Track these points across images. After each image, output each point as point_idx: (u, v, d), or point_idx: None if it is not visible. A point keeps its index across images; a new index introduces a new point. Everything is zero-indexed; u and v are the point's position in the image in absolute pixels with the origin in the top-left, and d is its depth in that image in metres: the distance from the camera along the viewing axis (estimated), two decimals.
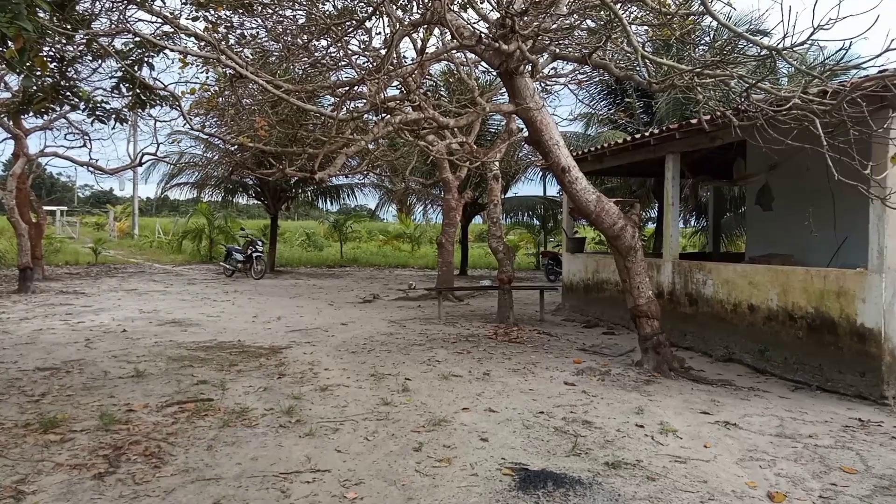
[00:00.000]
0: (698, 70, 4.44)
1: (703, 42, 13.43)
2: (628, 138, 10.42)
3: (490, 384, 6.86)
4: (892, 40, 2.63)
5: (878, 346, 6.14)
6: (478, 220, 27.46)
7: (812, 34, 3.00)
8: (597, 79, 16.19)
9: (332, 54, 8.94)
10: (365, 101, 8.05)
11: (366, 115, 9.15)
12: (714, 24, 16.36)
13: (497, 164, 11.73)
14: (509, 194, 26.58)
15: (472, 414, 5.75)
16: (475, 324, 11.48)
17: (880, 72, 4.69)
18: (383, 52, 6.22)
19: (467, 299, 15.63)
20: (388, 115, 7.22)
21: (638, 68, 5.66)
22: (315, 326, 10.82)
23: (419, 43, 7.28)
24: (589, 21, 6.94)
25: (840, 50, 3.19)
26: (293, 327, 10.68)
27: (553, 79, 11.38)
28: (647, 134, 9.71)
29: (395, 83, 9.08)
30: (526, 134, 7.22)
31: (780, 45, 3.28)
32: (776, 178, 10.68)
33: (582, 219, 8.92)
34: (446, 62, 12.48)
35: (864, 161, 3.47)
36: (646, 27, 7.84)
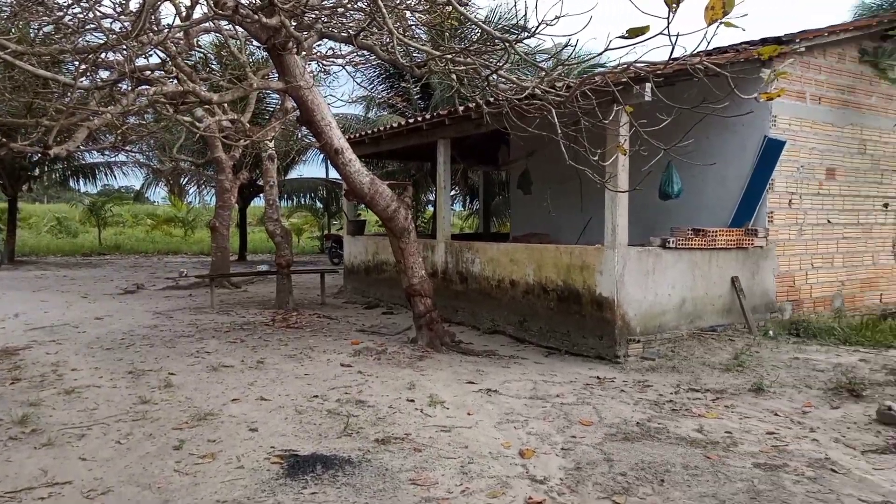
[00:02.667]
0: (449, 57, 4.69)
1: (475, 32, 14.13)
2: (404, 123, 10.67)
3: (264, 372, 6.64)
4: (611, 41, 2.98)
5: (613, 312, 7.03)
6: (258, 202, 26.36)
7: (536, 29, 3.31)
8: (375, 62, 16.33)
9: (78, 15, 7.88)
10: (114, 69, 7.23)
11: (121, 85, 8.25)
12: (484, 14, 17.38)
13: (272, 143, 11.31)
14: (292, 175, 25.92)
15: (242, 405, 5.52)
16: (252, 311, 11.04)
17: (620, 67, 5.35)
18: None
19: (245, 286, 14.97)
20: (145, 87, 6.55)
21: (400, 52, 5.80)
22: (63, 322, 9.59)
23: (183, 10, 6.71)
24: (360, 3, 6.95)
25: (566, 46, 3.61)
26: (34, 324, 9.37)
27: (331, 59, 11.21)
28: (420, 119, 10.03)
29: (155, 52, 8.29)
30: (299, 114, 7.03)
31: (513, 38, 3.58)
32: (535, 164, 11.70)
33: (357, 201, 8.96)
34: (217, 34, 11.69)
35: (593, 149, 3.92)
36: (417, 13, 8.07)
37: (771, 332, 8.02)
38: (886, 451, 4.50)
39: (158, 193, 39.45)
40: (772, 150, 8.11)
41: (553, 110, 3.79)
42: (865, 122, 9.35)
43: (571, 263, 7.57)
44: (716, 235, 7.79)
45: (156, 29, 6.74)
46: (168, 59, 7.19)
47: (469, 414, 5.29)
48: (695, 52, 2.81)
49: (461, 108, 8.63)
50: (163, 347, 7.87)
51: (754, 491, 3.81)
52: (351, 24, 5.89)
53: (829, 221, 9.03)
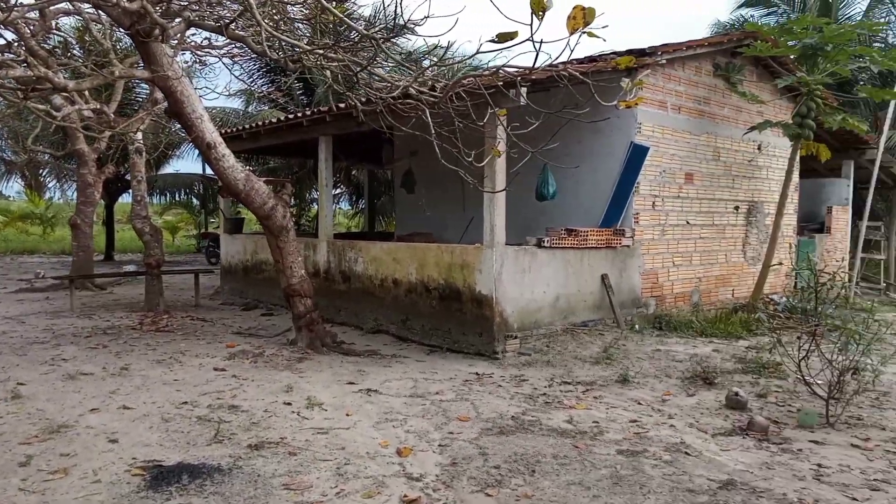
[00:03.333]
0: (320, 52, 4.61)
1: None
2: (283, 118, 10.39)
3: (128, 379, 6.22)
4: (481, 44, 3.05)
5: (492, 309, 7.21)
6: (127, 198, 24.75)
7: (401, 29, 3.35)
8: (254, 55, 15.78)
9: None
10: None
11: None
12: (368, 11, 17.27)
13: (140, 136, 10.64)
14: (167, 170, 24.52)
15: (101, 415, 5.14)
16: (117, 314, 10.32)
17: (498, 68, 5.49)
18: None
19: (111, 287, 13.98)
20: None
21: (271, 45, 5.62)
22: None
23: None
24: None
25: (436, 47, 3.67)
26: None
27: (206, 49, 10.70)
28: (300, 115, 9.80)
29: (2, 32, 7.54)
30: (167, 105, 6.65)
31: (381, 37, 3.59)
32: (418, 164, 11.77)
33: (232, 197, 8.59)
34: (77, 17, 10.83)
35: (467, 150, 3.99)
36: (297, 6, 7.86)
37: (637, 326, 8.54)
38: (733, 434, 4.92)
39: (12, 188, 36.04)
40: (637, 156, 8.65)
41: (427, 110, 3.83)
42: (719, 131, 10.19)
43: (452, 262, 7.68)
44: (587, 235, 8.19)
45: (3, 6, 6.16)
46: (18, 39, 6.59)
47: (348, 415, 5.23)
48: (558, 59, 2.94)
49: (342, 106, 8.52)
50: (12, 356, 7.18)
51: (617, 476, 4.03)
52: (224, 14, 5.64)
53: (688, 223, 9.75)
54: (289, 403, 5.50)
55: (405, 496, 3.71)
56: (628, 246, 8.79)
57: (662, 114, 9.20)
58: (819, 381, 5.61)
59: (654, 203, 9.14)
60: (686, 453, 4.47)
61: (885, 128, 12.73)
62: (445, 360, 7.34)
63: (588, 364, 6.95)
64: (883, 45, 17.25)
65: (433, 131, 3.78)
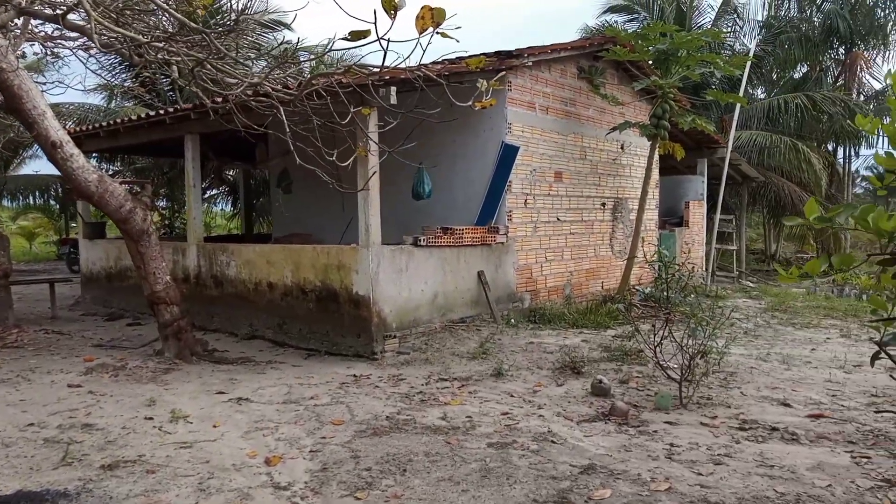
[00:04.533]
0: (160, 45, 4.37)
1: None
2: (145, 115, 9.78)
3: None
4: (333, 42, 3.00)
5: (369, 310, 7.16)
6: None
7: (240, 25, 3.25)
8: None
9: None
10: None
11: None
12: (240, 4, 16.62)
13: None
14: (24, 171, 22.49)
15: None
16: None
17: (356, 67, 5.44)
18: None
19: None
20: None
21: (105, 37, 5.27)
22: None
23: None
24: None
25: (283, 44, 3.59)
26: None
27: (58, 41, 9.86)
28: (162, 112, 9.27)
29: None
30: (3, 100, 6.06)
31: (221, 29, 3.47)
32: (294, 163, 11.47)
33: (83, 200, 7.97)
34: None
35: (328, 149, 3.93)
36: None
37: (513, 321, 8.80)
38: (596, 419, 5.17)
39: None
40: (508, 155, 8.91)
41: (282, 108, 3.72)
42: (585, 132, 10.71)
43: (329, 263, 7.56)
44: (463, 233, 8.33)
45: None
46: None
47: (215, 426, 5.01)
48: (414, 59, 2.95)
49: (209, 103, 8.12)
50: None
51: (486, 470, 4.12)
52: (60, 2, 5.21)
53: (558, 219, 10.17)
54: (150, 418, 5.18)
55: None
56: (503, 243, 9.03)
57: (531, 114, 9.53)
58: (674, 366, 6.03)
59: (526, 201, 9.45)
60: (552, 441, 4.64)
61: (732, 129, 13.90)
62: (323, 363, 7.21)
63: (465, 360, 7.07)
64: (730, 53, 18.85)
65: (288, 130, 3.68)
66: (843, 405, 5.66)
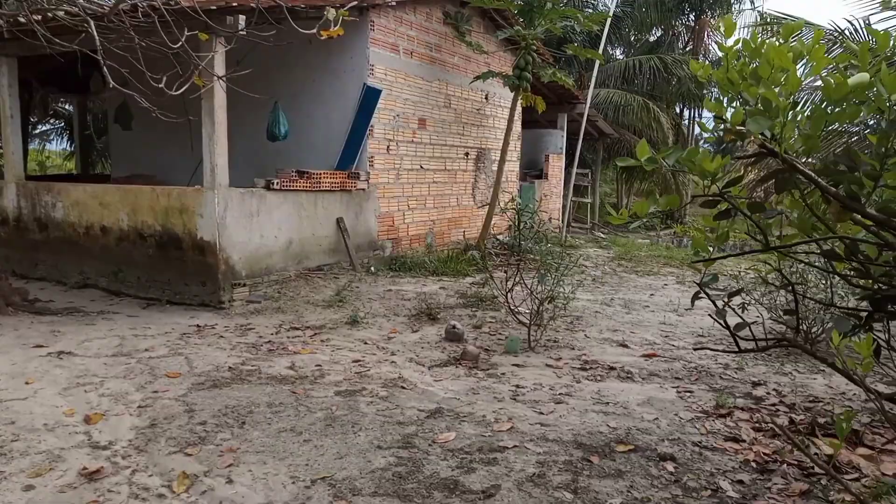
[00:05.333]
0: None
1: None
2: None
3: None
4: None
5: (215, 256, 6.70)
6: None
7: None
8: None
9: None
10: None
11: None
12: None
13: None
14: None
15: None
16: None
17: None
18: None
19: None
20: None
21: None
22: None
23: None
24: None
25: None
26: None
27: None
28: None
29: None
30: None
31: None
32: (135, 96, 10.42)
33: None
34: None
35: (154, 75, 3.49)
36: None
37: (373, 269, 8.66)
38: (447, 364, 5.19)
39: None
40: (370, 98, 8.60)
41: (92, 23, 3.23)
42: (450, 79, 10.58)
43: (170, 206, 6.96)
44: (321, 178, 7.99)
45: None
46: None
47: (28, 383, 4.47)
48: None
49: (23, 21, 7.07)
50: None
51: (331, 418, 3.98)
52: None
53: (422, 167, 10.06)
54: None
55: (84, 468, 3.25)
56: (364, 189, 8.79)
57: (395, 57, 9.23)
58: (524, 311, 6.19)
59: (388, 147, 9.23)
60: (402, 387, 4.59)
61: (591, 86, 14.37)
62: (164, 313, 6.70)
63: (320, 308, 6.85)
64: (592, 10, 19.41)
65: (98, 46, 3.20)
66: (673, 345, 6.09)
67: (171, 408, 4.10)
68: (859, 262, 2.29)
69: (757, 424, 4.13)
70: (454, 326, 5.86)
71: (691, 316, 7.48)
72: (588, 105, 14.28)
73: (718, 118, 2.41)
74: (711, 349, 5.40)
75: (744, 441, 3.87)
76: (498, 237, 11.76)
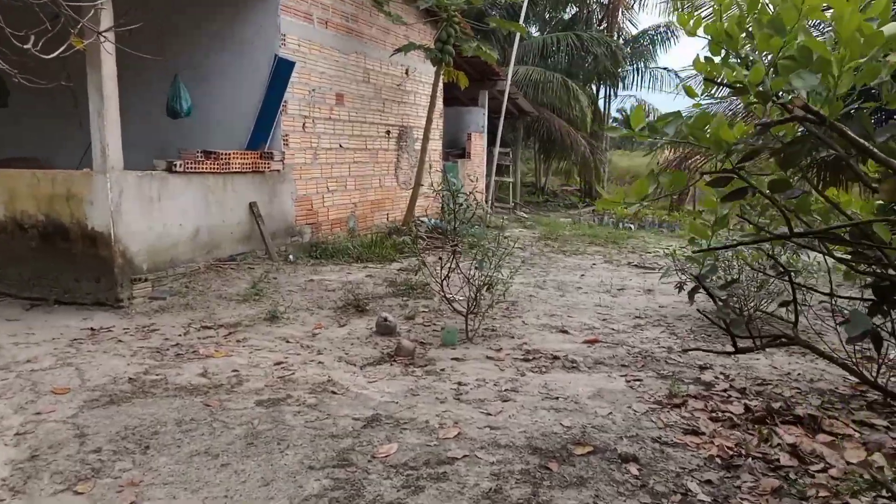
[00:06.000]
0: None
1: None
2: None
3: None
4: None
5: (110, 248, 5.93)
6: None
7: None
8: None
9: None
10: None
11: None
12: None
13: None
14: None
15: None
16: None
17: None
18: None
19: None
20: None
21: None
22: None
23: None
24: None
25: None
26: None
27: None
28: None
29: None
30: None
31: None
32: (13, 65, 9.24)
33: None
34: None
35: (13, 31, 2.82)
36: None
37: (291, 257, 8.04)
38: (381, 362, 4.74)
39: None
40: (283, 71, 7.91)
41: None
42: (368, 52, 9.98)
43: (55, 193, 6.09)
44: (230, 158, 7.27)
45: None
46: None
47: None
48: None
49: None
50: None
51: (253, 434, 3.47)
52: None
53: (341, 146, 9.46)
54: None
55: None
56: (278, 170, 8.12)
57: (309, 27, 8.55)
58: (460, 298, 5.82)
59: (304, 124, 8.57)
60: (332, 392, 4.11)
61: (511, 62, 14.10)
62: (52, 315, 5.87)
63: (234, 303, 6.22)
64: None
65: None
66: (613, 328, 5.89)
67: (58, 433, 3.45)
68: (872, 247, 2.01)
69: (713, 413, 3.93)
70: (386, 319, 5.41)
71: (625, 296, 7.34)
72: (509, 81, 14.01)
73: (709, 80, 2.05)
74: (704, 350, 5.15)
75: (703, 434, 3.65)
76: (422, 219, 11.33)
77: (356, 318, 5.86)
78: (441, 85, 10.85)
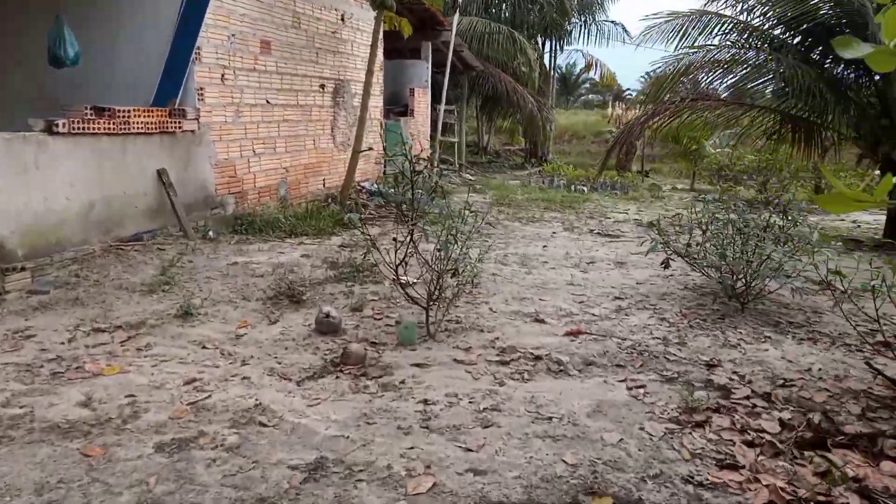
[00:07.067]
0: None
1: None
2: None
3: None
4: None
5: None
6: None
7: None
8: None
9: None
10: None
11: None
12: None
13: None
14: None
15: None
16: None
17: None
18: None
19: None
20: None
21: None
22: None
23: None
24: None
25: None
26: None
27: None
28: None
29: None
30: None
31: None
32: None
33: None
34: None
35: None
36: None
37: (211, 233, 6.87)
38: (324, 373, 3.77)
39: None
40: (194, 10, 6.60)
41: None
42: None
43: None
44: (130, 116, 5.99)
45: None
46: None
47: None
48: None
49: None
50: None
51: (150, 501, 2.46)
52: None
53: (268, 102, 8.21)
54: None
55: None
56: (193, 131, 6.86)
57: None
58: (413, 280, 4.89)
59: (223, 76, 7.29)
60: (261, 424, 3.13)
61: (457, 10, 12.95)
62: None
63: (138, 295, 5.07)
64: None
65: None
66: (593, 314, 5.09)
67: None
68: None
69: (745, 435, 3.15)
70: (328, 315, 4.40)
71: (596, 271, 6.57)
72: (454, 32, 12.88)
73: None
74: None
75: (743, 467, 2.87)
76: (364, 185, 10.24)
77: (291, 311, 4.83)
78: (381, 33, 9.64)
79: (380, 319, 4.71)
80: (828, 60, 8.66)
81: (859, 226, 10.63)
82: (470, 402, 3.42)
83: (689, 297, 5.66)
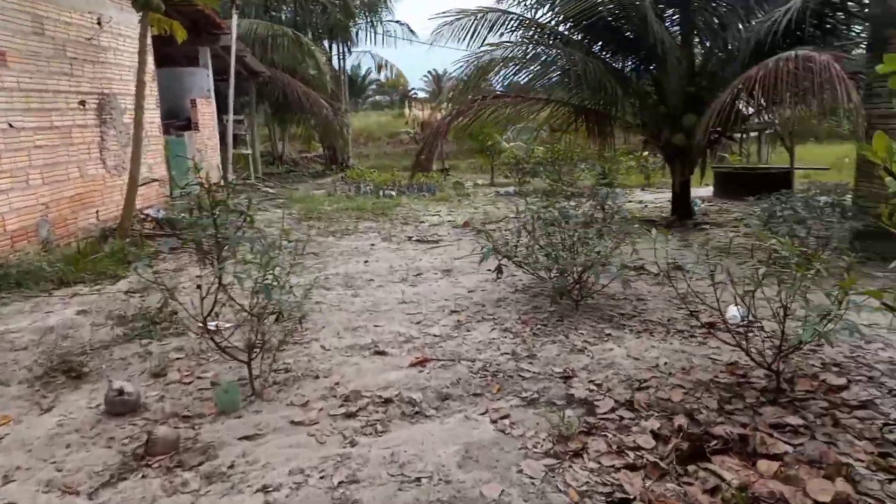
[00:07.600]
0: None
1: None
2: None
3: None
4: None
5: None
6: None
7: None
8: None
9: None
10: None
11: None
12: None
13: None
14: None
15: None
16: None
17: None
18: None
19: None
20: None
21: None
22: None
23: None
24: None
25: None
26: None
27: None
28: None
29: None
30: None
31: None
32: None
33: None
34: None
35: None
36: None
37: None
38: (125, 474, 2.94)
39: None
40: None
41: None
42: None
43: None
44: None
45: None
46: None
47: None
48: None
49: None
50: None
51: None
52: None
53: (11, 126, 6.72)
54: None
55: None
56: None
57: None
58: (226, 325, 4.17)
59: None
60: None
61: (234, 15, 11.92)
62: None
63: None
64: None
65: None
66: (434, 334, 4.75)
67: None
68: None
69: (624, 456, 2.94)
70: (121, 390, 3.51)
71: (425, 283, 6.25)
72: (234, 36, 11.84)
73: None
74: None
75: (635, 500, 2.63)
76: (148, 212, 8.95)
77: (70, 391, 3.82)
78: (150, 38, 8.44)
79: (190, 383, 3.88)
80: (607, 54, 9.19)
81: (646, 206, 11.55)
82: (321, 478, 2.84)
83: (523, 300, 5.53)
